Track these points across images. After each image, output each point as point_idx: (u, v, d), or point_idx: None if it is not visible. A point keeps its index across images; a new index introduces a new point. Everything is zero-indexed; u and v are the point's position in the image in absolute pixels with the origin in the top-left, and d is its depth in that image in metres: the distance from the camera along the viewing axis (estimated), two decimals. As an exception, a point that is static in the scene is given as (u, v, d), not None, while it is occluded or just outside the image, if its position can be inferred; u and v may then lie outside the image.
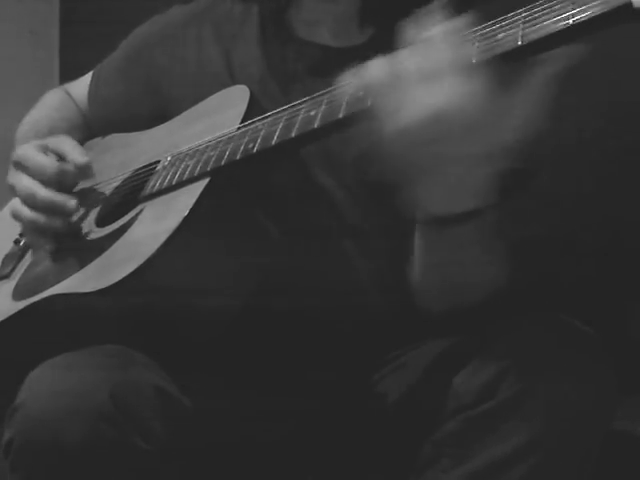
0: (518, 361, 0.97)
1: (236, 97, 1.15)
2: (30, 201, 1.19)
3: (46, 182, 1.19)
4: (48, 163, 1.20)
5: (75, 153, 1.23)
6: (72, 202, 1.18)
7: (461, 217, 0.96)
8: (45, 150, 1.24)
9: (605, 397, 0.98)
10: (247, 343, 1.14)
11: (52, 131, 1.36)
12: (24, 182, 1.20)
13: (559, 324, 1.00)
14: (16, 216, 1.21)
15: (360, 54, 1.23)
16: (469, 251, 1.00)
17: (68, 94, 1.48)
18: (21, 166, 1.22)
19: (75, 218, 1.23)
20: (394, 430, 1.10)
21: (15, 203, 1.22)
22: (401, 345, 1.16)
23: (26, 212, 1.20)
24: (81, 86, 1.46)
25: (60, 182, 1.20)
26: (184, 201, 1.04)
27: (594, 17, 0.81)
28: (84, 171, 1.22)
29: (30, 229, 1.22)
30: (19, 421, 0.95)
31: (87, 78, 1.46)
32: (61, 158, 1.24)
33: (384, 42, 1.23)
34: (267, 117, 1.06)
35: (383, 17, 1.23)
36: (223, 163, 1.04)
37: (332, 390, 1.17)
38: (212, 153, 1.06)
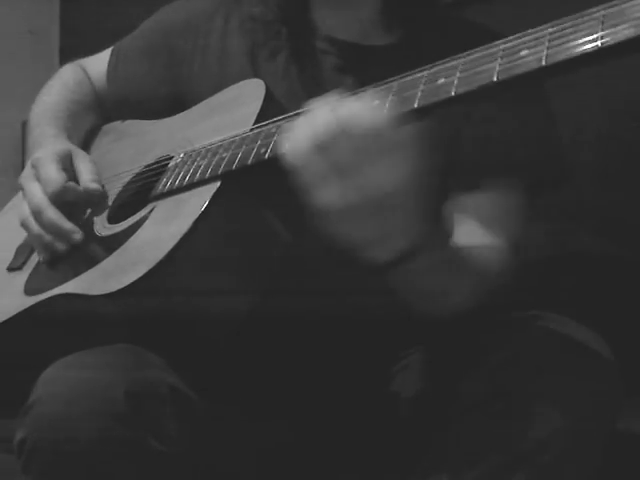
0: (524, 362, 0.97)
1: (251, 92, 1.13)
2: (37, 216, 1.19)
3: (49, 196, 1.19)
4: (56, 177, 1.20)
5: (87, 176, 1.23)
6: (77, 235, 1.17)
7: (395, 262, 0.96)
8: (64, 161, 1.23)
9: (610, 397, 0.98)
10: (257, 343, 1.14)
11: (70, 115, 1.36)
12: (34, 192, 1.20)
13: (564, 325, 1.01)
14: (24, 225, 1.21)
15: (387, 54, 1.23)
16: (423, 281, 1.01)
17: (84, 71, 1.47)
18: (35, 169, 1.22)
19: (89, 211, 1.23)
20: (400, 431, 1.10)
21: (24, 210, 1.22)
22: (408, 346, 1.16)
23: (33, 226, 1.19)
24: (98, 63, 1.45)
25: (63, 199, 1.19)
26: (194, 204, 1.03)
27: (624, 41, 0.76)
28: (91, 196, 1.22)
29: (34, 241, 1.22)
30: (32, 420, 0.94)
31: (104, 55, 1.45)
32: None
33: (412, 43, 1.23)
34: (281, 120, 1.04)
35: (406, 18, 1.24)
36: (234, 167, 1.03)
37: (337, 390, 1.18)
38: (224, 155, 1.05)
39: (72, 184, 1.21)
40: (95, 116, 1.42)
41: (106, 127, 1.41)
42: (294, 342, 1.17)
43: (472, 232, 1.17)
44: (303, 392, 1.18)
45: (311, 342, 1.17)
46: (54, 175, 1.20)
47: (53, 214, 1.18)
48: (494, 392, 0.98)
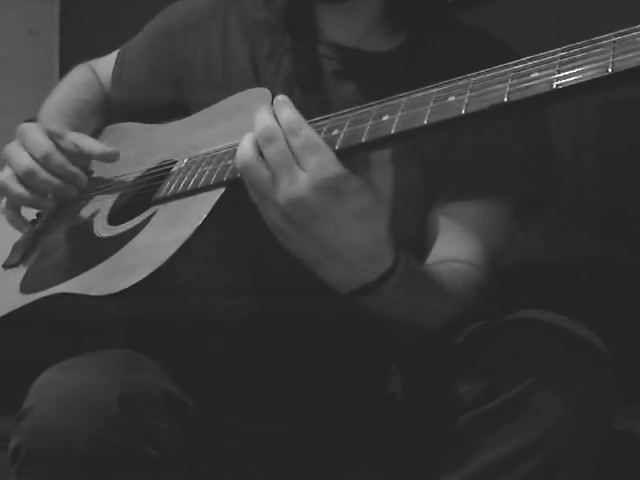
0: (520, 362, 0.97)
1: (257, 101, 1.12)
2: (28, 179, 1.19)
3: (39, 160, 1.18)
4: (44, 141, 1.19)
5: (92, 143, 1.24)
6: (76, 187, 1.20)
7: (372, 286, 0.98)
8: (52, 136, 1.22)
9: (606, 397, 0.98)
10: (254, 347, 1.14)
11: (77, 114, 1.37)
12: (23, 158, 1.19)
13: (561, 325, 1.01)
14: (3, 188, 1.21)
15: (388, 60, 1.23)
16: (395, 309, 1.02)
17: (94, 72, 1.47)
18: (20, 138, 1.22)
19: (89, 212, 1.23)
20: (396, 430, 1.10)
21: (4, 174, 1.21)
22: (405, 347, 1.16)
23: (16, 187, 1.20)
24: (107, 65, 1.45)
25: (50, 164, 1.19)
26: (197, 210, 1.02)
27: (635, 68, 0.77)
28: (106, 158, 1.23)
29: (13, 204, 1.22)
30: (27, 426, 0.94)
31: (113, 57, 1.46)
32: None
33: (413, 49, 1.23)
34: None
35: (406, 22, 1.24)
36: (239, 174, 1.02)
37: (336, 391, 1.18)
38: (229, 162, 1.05)
39: (62, 146, 1.20)
40: (104, 117, 1.42)
41: (109, 128, 1.41)
42: (293, 345, 1.17)
43: (453, 243, 1.18)
44: (301, 395, 1.18)
45: (309, 345, 1.17)
46: (42, 140, 1.20)
47: (46, 175, 1.18)
48: (490, 391, 0.98)
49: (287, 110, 0.95)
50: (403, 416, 1.11)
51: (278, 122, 0.94)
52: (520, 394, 0.96)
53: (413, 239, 1.20)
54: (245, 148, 0.95)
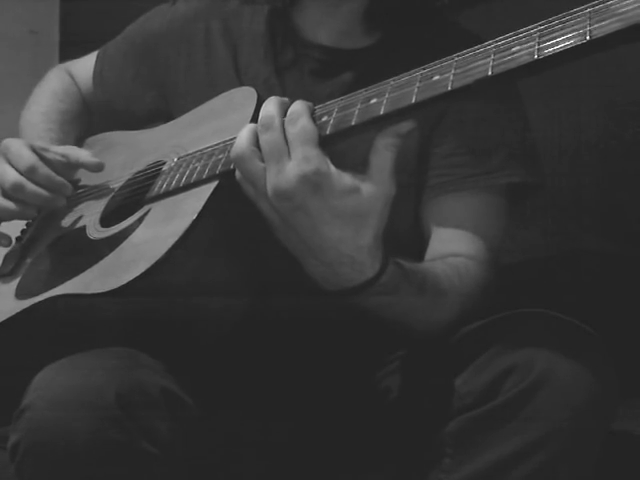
0: (520, 361, 0.97)
1: (243, 99, 1.14)
2: (16, 192, 1.19)
3: (24, 173, 1.19)
4: (28, 154, 1.20)
5: (79, 152, 1.25)
6: (62, 200, 1.20)
7: (352, 291, 0.98)
8: (37, 150, 1.23)
9: (607, 397, 0.98)
10: (252, 343, 1.14)
11: (61, 126, 1.38)
12: (9, 173, 1.20)
13: (561, 324, 1.01)
14: None
15: (366, 56, 1.24)
16: (388, 310, 1.02)
17: (71, 77, 1.48)
18: (4, 153, 1.22)
19: (80, 217, 1.23)
20: (396, 430, 1.10)
21: None
22: (404, 345, 1.16)
23: (1, 201, 1.21)
24: (84, 68, 1.46)
25: (35, 176, 1.19)
26: (192, 204, 1.03)
27: (612, 34, 0.80)
28: (92, 167, 1.23)
29: None
30: (26, 423, 0.94)
31: (90, 59, 1.46)
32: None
33: (390, 45, 1.24)
34: None
35: (388, 21, 1.24)
36: (232, 166, 1.03)
37: (334, 390, 1.18)
38: (220, 156, 1.06)
39: (46, 159, 1.21)
40: (84, 125, 1.43)
41: (91, 139, 1.42)
42: (290, 341, 1.17)
43: (449, 238, 1.18)
44: (298, 392, 1.18)
45: (307, 341, 1.18)
46: (26, 153, 1.20)
47: (33, 187, 1.19)
48: (490, 391, 0.98)
49: (298, 102, 0.96)
50: (401, 415, 1.10)
51: (285, 113, 0.96)
52: (520, 394, 0.96)
53: (405, 236, 1.20)
54: (242, 138, 0.96)
